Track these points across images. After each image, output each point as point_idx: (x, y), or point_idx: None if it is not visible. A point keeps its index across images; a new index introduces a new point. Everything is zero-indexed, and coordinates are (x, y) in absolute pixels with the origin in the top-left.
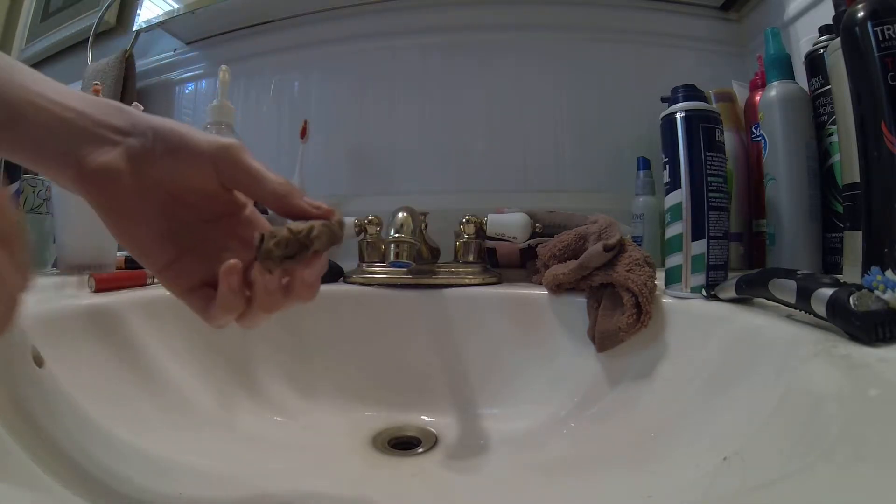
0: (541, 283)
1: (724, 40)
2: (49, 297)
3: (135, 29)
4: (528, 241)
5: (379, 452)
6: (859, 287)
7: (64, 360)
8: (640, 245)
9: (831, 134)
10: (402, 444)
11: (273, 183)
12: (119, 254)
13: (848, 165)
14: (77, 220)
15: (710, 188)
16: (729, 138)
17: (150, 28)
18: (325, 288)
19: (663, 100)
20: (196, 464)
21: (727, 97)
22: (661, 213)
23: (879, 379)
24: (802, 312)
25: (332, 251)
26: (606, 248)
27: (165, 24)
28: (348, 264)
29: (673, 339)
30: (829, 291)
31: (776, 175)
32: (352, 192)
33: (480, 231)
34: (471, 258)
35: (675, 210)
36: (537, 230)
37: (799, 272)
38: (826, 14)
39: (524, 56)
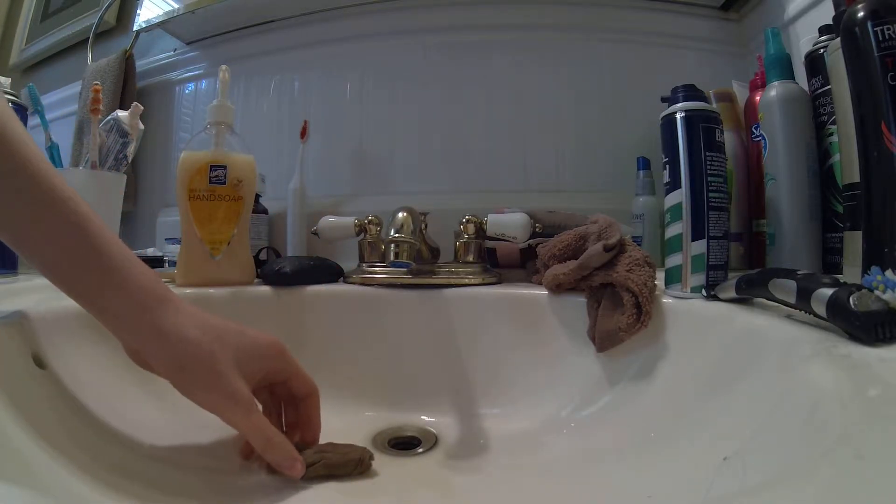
0: (541, 283)
1: (724, 40)
2: (49, 297)
3: (135, 29)
4: (528, 241)
5: (379, 452)
6: (859, 287)
7: (64, 360)
8: (640, 245)
9: (831, 134)
10: (402, 444)
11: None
12: None
13: (848, 165)
14: None
15: (710, 188)
16: (729, 138)
17: (150, 28)
18: (325, 288)
19: (663, 100)
20: (196, 463)
21: (727, 97)
22: (661, 213)
23: (879, 379)
24: (802, 312)
25: (332, 251)
26: (606, 248)
27: (165, 24)
28: (348, 264)
29: (673, 339)
30: (829, 291)
31: (776, 175)
32: (352, 192)
33: (480, 231)
34: (471, 258)
35: (675, 210)
36: (537, 230)
37: (799, 272)
38: (826, 14)
39: (524, 56)
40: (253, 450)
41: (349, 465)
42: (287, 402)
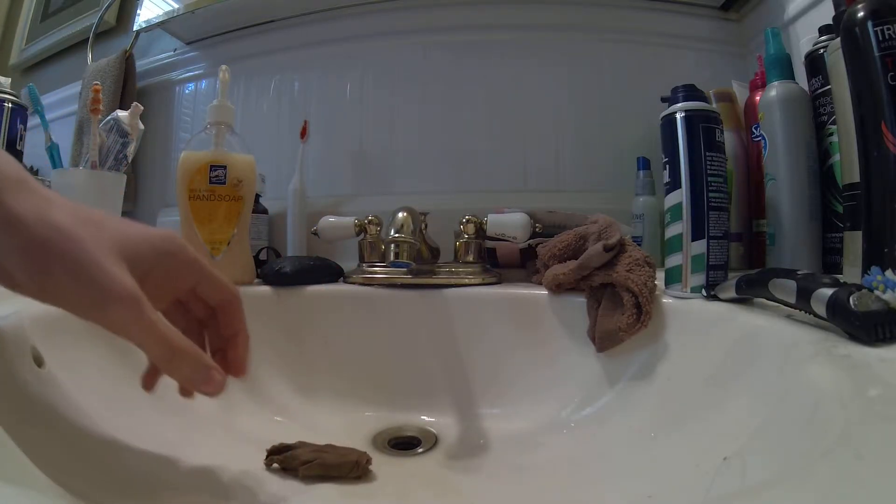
0: (541, 283)
1: (724, 40)
2: None
3: (135, 29)
4: (528, 241)
5: (379, 452)
6: (859, 287)
7: (64, 360)
8: (640, 245)
9: (831, 134)
10: (402, 444)
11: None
12: None
13: (848, 165)
14: None
15: (710, 188)
16: (729, 138)
17: (150, 28)
18: (325, 288)
19: (663, 100)
20: (196, 463)
21: (727, 97)
22: (661, 213)
23: (879, 379)
24: (802, 312)
25: (332, 251)
26: (606, 248)
27: (165, 24)
28: (348, 264)
29: (673, 339)
30: (829, 291)
31: (776, 175)
32: (352, 192)
33: (480, 231)
34: (471, 258)
35: (675, 210)
36: (537, 230)
37: (799, 272)
38: (826, 14)
39: (524, 56)
40: (156, 374)
41: (345, 466)
42: (208, 323)
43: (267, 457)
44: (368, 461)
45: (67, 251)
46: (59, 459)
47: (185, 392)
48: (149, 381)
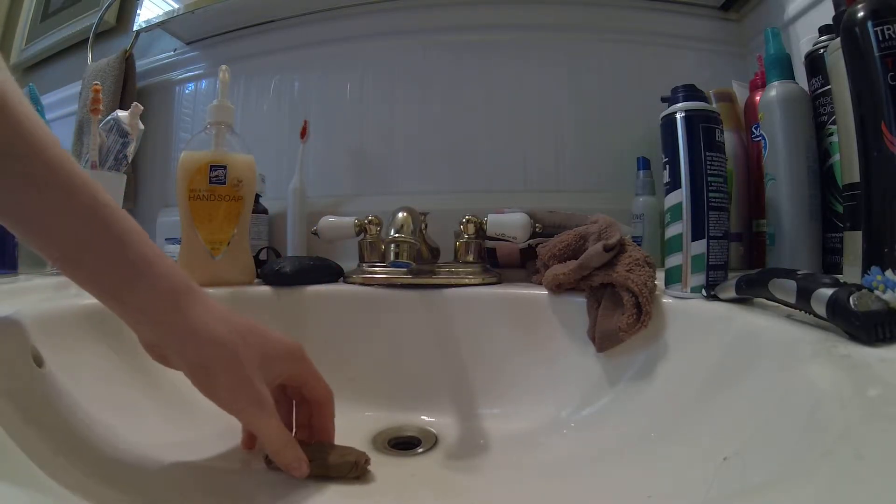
0: (541, 283)
1: (724, 40)
2: (49, 297)
3: (135, 29)
4: (528, 241)
5: (379, 452)
6: (859, 287)
7: (64, 360)
8: (640, 245)
9: (831, 134)
10: (402, 444)
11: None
12: None
13: (848, 165)
14: None
15: (710, 188)
16: (729, 138)
17: (150, 28)
18: (325, 288)
19: (663, 100)
20: (196, 463)
21: (727, 97)
22: (661, 213)
23: (879, 379)
24: (802, 312)
25: (332, 251)
26: (606, 248)
27: (165, 24)
28: (348, 264)
29: (673, 339)
30: (829, 291)
31: (776, 175)
32: (352, 192)
33: (480, 231)
34: (471, 258)
35: (675, 210)
36: (537, 230)
37: (799, 272)
38: (826, 14)
39: (524, 56)
40: (255, 442)
41: (344, 466)
42: (299, 402)
43: (266, 456)
44: (367, 461)
45: (230, 367)
46: (58, 459)
47: (271, 465)
48: (249, 444)
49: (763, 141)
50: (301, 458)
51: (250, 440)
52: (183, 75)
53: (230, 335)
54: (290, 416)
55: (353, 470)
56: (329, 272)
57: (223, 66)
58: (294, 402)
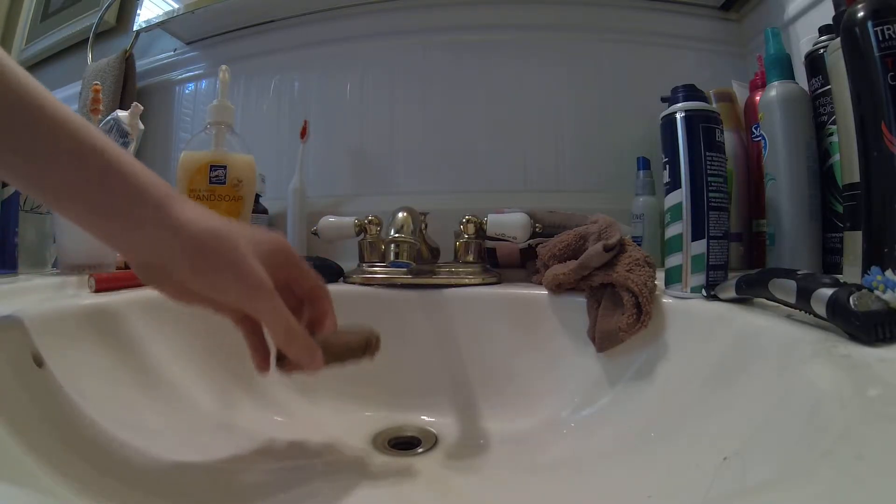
0: (541, 283)
1: (724, 40)
2: (49, 297)
3: (135, 29)
4: (528, 241)
5: (379, 452)
6: (859, 287)
7: (64, 360)
8: (640, 245)
9: (831, 134)
10: (402, 444)
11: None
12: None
13: (848, 165)
14: None
15: (710, 188)
16: (729, 138)
17: (150, 28)
18: None
19: (663, 100)
20: (197, 463)
21: (727, 97)
22: (661, 213)
23: (879, 379)
24: (802, 312)
25: (332, 251)
26: (606, 248)
27: (165, 24)
28: (348, 264)
29: (673, 340)
30: (829, 291)
31: (776, 175)
32: (352, 192)
33: (480, 231)
34: (471, 258)
35: (675, 210)
36: (537, 230)
37: (799, 272)
38: (826, 14)
39: (524, 56)
40: (267, 360)
41: (356, 349)
42: (294, 307)
43: (278, 356)
44: (378, 340)
45: (227, 250)
46: (58, 459)
47: (289, 368)
48: (263, 364)
49: (763, 141)
50: (313, 347)
51: (260, 358)
52: (183, 75)
53: (220, 223)
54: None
55: (367, 350)
56: (329, 272)
57: (223, 66)
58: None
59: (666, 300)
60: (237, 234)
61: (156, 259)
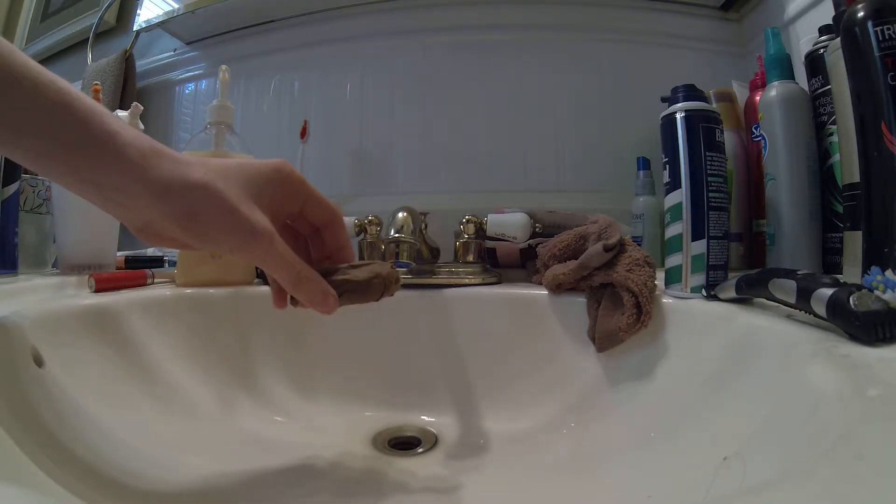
0: (541, 283)
1: (724, 40)
2: (49, 297)
3: (135, 29)
4: (528, 241)
5: (379, 452)
6: (859, 287)
7: (64, 360)
8: (640, 245)
9: (831, 134)
10: (402, 444)
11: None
12: (119, 254)
13: (848, 165)
14: (77, 220)
15: (710, 188)
16: (729, 138)
17: (150, 28)
18: None
19: (663, 100)
20: (196, 463)
21: (727, 97)
22: (661, 213)
23: (879, 379)
24: (802, 312)
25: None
26: (606, 248)
27: (165, 24)
28: None
29: (673, 340)
30: (829, 291)
31: (776, 175)
32: (352, 192)
33: (480, 231)
34: (471, 258)
35: (675, 210)
36: (537, 230)
37: (799, 272)
38: (826, 14)
39: (524, 56)
40: (285, 295)
41: (374, 289)
42: (311, 237)
43: (292, 299)
44: (398, 280)
45: (213, 205)
46: (59, 459)
47: (303, 306)
48: (280, 302)
49: (763, 141)
50: (325, 290)
51: (279, 295)
52: (183, 75)
53: (206, 175)
54: (308, 256)
55: (387, 290)
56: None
57: (223, 66)
58: (308, 239)
59: (666, 300)
60: (224, 180)
61: (146, 224)
